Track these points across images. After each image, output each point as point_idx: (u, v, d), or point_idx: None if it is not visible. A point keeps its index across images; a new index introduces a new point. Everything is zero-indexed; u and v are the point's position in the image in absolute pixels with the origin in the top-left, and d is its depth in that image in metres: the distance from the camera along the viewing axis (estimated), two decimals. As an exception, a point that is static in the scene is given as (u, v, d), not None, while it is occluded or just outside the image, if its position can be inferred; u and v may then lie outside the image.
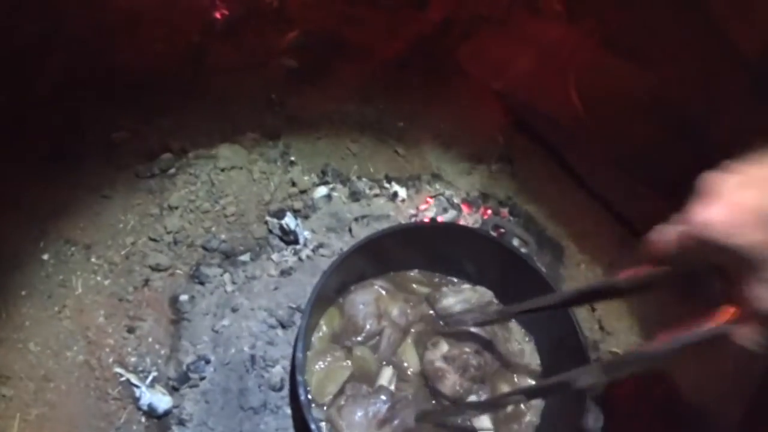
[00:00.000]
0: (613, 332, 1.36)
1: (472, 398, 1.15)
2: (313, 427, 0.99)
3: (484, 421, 1.13)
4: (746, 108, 1.19)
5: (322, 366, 1.12)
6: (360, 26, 1.61)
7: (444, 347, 1.15)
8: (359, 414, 1.05)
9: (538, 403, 1.17)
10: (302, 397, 1.02)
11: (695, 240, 0.62)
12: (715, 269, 0.63)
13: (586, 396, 1.08)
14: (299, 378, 1.03)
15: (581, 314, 1.34)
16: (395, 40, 1.57)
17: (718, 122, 1.27)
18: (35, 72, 1.41)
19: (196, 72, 1.50)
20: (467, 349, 1.15)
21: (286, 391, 1.16)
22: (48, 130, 1.40)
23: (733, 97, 1.22)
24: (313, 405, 1.07)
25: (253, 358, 1.16)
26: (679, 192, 1.31)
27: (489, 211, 1.41)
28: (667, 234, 0.67)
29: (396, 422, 1.06)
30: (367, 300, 1.16)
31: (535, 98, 1.50)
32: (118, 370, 1.18)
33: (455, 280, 1.26)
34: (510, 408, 1.14)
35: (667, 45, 1.30)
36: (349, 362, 1.13)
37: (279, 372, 1.15)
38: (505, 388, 1.18)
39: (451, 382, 1.12)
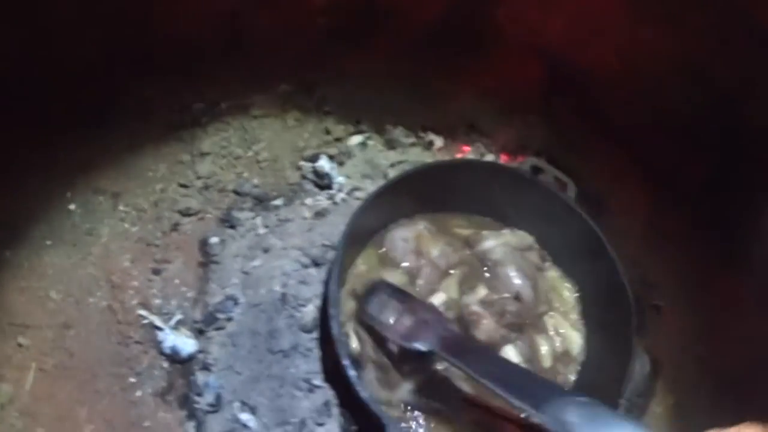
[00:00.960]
0: (656, 285, 1.30)
1: (509, 348, 1.08)
2: (345, 362, 0.94)
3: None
4: None
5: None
6: None
7: (482, 291, 1.09)
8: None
9: (580, 342, 1.12)
10: (334, 330, 0.97)
11: None
12: None
13: (632, 339, 1.04)
14: (332, 311, 0.98)
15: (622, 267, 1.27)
16: (432, 4, 1.55)
17: (752, 98, 1.24)
18: (75, 39, 1.40)
19: (232, 34, 1.48)
20: (506, 294, 1.08)
21: (316, 333, 1.10)
22: (82, 91, 1.34)
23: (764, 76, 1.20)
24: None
25: (284, 297, 1.11)
26: (716, 155, 1.29)
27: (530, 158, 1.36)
28: None
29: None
30: (407, 236, 1.12)
31: (573, 57, 1.46)
32: (142, 312, 1.14)
33: (496, 222, 1.20)
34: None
35: (697, 14, 1.27)
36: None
37: (311, 311, 1.10)
38: (541, 341, 1.11)
39: (486, 328, 1.07)
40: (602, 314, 1.15)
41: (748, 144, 1.26)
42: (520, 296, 1.10)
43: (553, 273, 1.20)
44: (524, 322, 1.10)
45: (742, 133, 1.28)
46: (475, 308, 1.08)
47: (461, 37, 1.50)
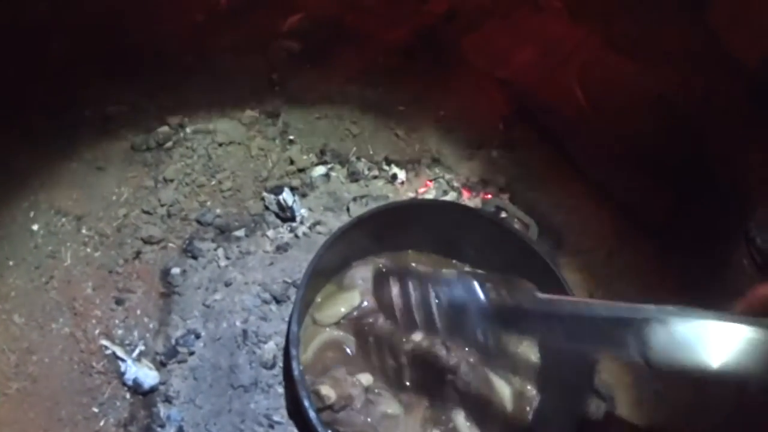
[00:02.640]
0: None
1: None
2: (306, 403, 0.96)
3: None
4: (744, 114, 1.21)
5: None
6: (363, 13, 1.59)
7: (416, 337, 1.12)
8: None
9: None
10: (295, 372, 0.98)
11: None
12: None
13: (592, 377, 1.08)
14: (293, 351, 1.00)
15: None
16: (398, 29, 1.56)
17: (717, 125, 1.28)
18: (42, 47, 1.38)
19: (199, 51, 1.48)
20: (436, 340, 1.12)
21: (278, 369, 1.13)
22: (46, 102, 1.38)
23: (731, 103, 1.22)
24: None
25: (245, 333, 1.13)
26: (679, 184, 1.32)
27: (489, 196, 1.38)
28: None
29: None
30: (366, 276, 1.12)
31: (537, 88, 1.50)
32: (104, 342, 1.15)
33: (455, 262, 1.23)
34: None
35: (668, 48, 1.31)
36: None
37: (272, 348, 1.12)
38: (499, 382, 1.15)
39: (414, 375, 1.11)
40: (559, 353, 1.17)
41: (712, 174, 1.29)
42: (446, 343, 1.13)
43: None
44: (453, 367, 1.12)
45: (706, 163, 1.30)
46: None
47: (426, 64, 1.53)
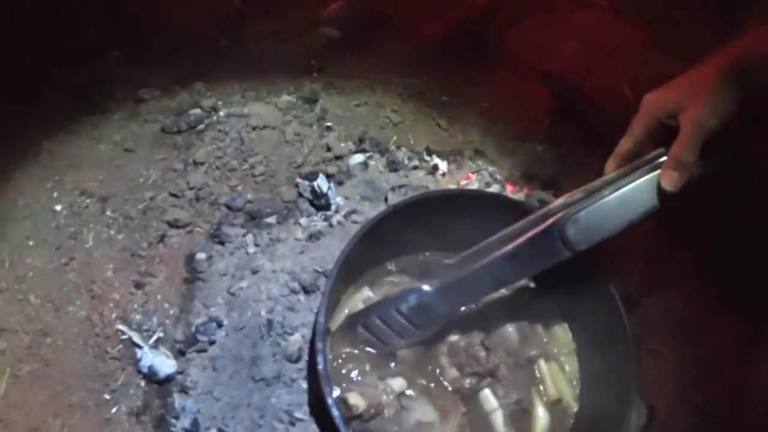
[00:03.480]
0: (657, 328, 1.26)
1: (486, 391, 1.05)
2: (329, 401, 0.89)
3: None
4: None
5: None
6: (404, 3, 1.56)
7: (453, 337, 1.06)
8: None
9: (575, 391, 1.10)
10: (320, 366, 0.91)
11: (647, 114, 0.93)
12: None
13: (631, 387, 1.00)
14: (319, 345, 0.93)
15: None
16: (440, 20, 1.53)
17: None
18: (73, 27, 1.36)
19: (235, 36, 1.46)
20: (476, 340, 1.05)
21: (303, 363, 1.05)
22: (76, 83, 1.36)
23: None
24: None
25: (270, 323, 1.06)
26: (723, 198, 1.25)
27: (532, 192, 1.31)
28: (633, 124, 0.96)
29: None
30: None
31: (582, 84, 1.45)
32: (121, 327, 1.09)
33: None
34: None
35: (707, 49, 1.25)
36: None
37: (297, 341, 1.05)
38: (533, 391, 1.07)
39: (451, 377, 1.04)
40: (600, 358, 1.10)
41: (760, 186, 1.23)
42: (491, 339, 1.06)
43: (551, 316, 1.15)
44: (498, 368, 1.05)
45: (755, 174, 1.22)
46: (442, 360, 1.06)
47: (469, 55, 1.49)
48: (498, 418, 1.02)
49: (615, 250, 1.31)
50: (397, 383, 1.01)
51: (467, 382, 1.02)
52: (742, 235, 1.28)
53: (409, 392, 1.02)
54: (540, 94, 1.48)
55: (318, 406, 1.01)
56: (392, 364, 1.04)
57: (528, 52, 1.49)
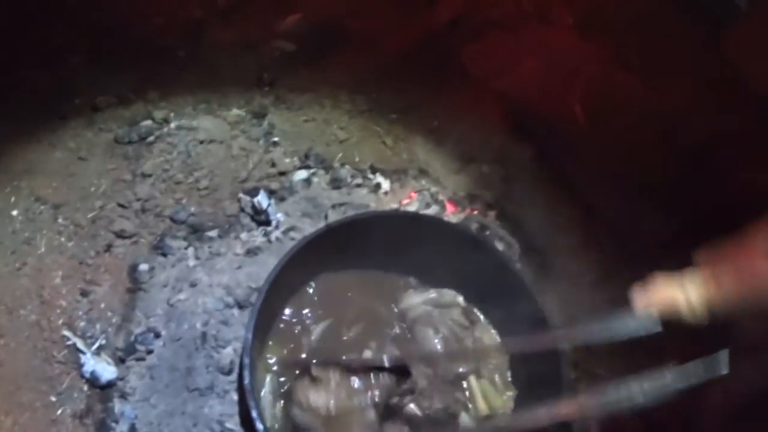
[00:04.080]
0: (596, 352, 1.29)
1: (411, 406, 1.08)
2: (254, 414, 0.94)
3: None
4: (754, 144, 1.16)
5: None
6: (365, 18, 1.54)
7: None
8: None
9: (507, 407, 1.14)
10: (246, 381, 0.97)
11: None
12: None
13: None
14: (245, 360, 0.98)
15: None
16: (400, 35, 1.52)
17: (727, 154, 1.21)
18: (35, 35, 1.38)
19: (193, 46, 1.47)
20: None
21: (234, 376, 1.11)
22: (40, 87, 1.38)
23: (741, 131, 1.17)
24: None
25: (204, 336, 1.12)
26: (681, 212, 1.28)
27: (475, 212, 1.34)
28: None
29: None
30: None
31: (537, 104, 1.45)
32: (66, 333, 1.14)
33: (425, 277, 1.20)
34: None
35: (679, 72, 1.25)
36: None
37: (230, 354, 1.11)
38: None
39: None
40: (533, 378, 1.14)
41: (717, 207, 1.23)
42: (430, 358, 1.11)
43: (484, 333, 1.19)
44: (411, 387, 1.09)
45: (711, 195, 1.25)
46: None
47: (424, 73, 1.48)
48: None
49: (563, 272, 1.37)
50: None
51: (393, 401, 1.06)
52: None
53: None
54: (493, 113, 1.49)
55: (248, 418, 1.06)
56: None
57: (485, 69, 1.49)
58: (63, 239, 1.24)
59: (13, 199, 1.27)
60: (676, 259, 1.28)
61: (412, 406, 1.08)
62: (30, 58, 1.37)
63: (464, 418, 1.13)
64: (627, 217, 1.38)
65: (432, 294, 1.17)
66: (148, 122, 1.36)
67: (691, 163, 1.27)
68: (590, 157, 1.39)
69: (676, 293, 0.81)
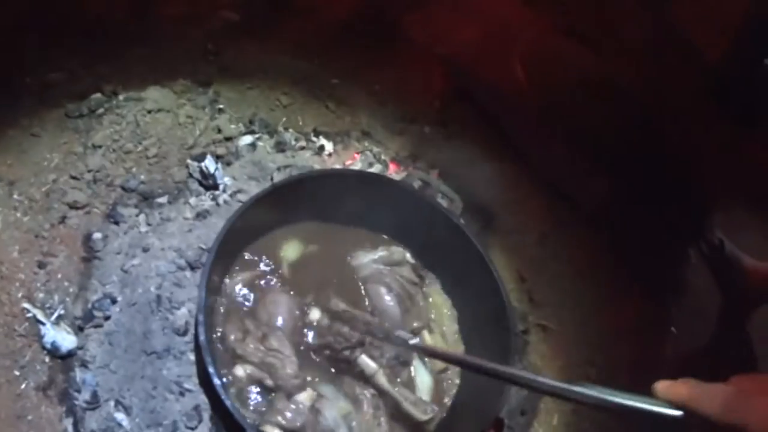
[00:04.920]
0: (544, 304, 1.35)
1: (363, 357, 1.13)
2: (211, 370, 0.98)
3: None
4: (701, 109, 1.18)
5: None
6: None
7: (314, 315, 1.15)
8: None
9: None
10: (201, 338, 1.00)
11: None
12: None
13: (510, 361, 1.09)
14: (200, 317, 1.02)
15: (510, 285, 1.33)
16: (342, 2, 1.53)
17: (672, 118, 1.25)
18: None
19: (142, 20, 1.46)
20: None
21: (190, 336, 1.14)
22: None
23: (688, 97, 1.20)
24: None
25: (159, 298, 1.15)
26: (621, 173, 1.31)
27: (418, 172, 1.38)
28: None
29: None
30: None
31: (478, 67, 1.47)
32: (26, 305, 1.16)
33: (374, 235, 1.24)
34: None
35: (624, 37, 1.27)
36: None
37: (184, 314, 1.15)
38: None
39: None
40: (482, 332, 1.19)
41: (659, 167, 1.27)
42: (384, 313, 1.17)
43: (433, 289, 1.25)
44: (360, 340, 1.13)
45: (655, 154, 1.28)
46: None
47: (365, 39, 1.49)
48: (381, 378, 1.11)
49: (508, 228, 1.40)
50: (307, 396, 1.08)
51: (343, 356, 1.10)
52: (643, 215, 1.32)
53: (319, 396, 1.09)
54: (434, 77, 1.52)
55: (205, 378, 1.09)
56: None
57: (425, 35, 1.50)
58: (19, 214, 1.25)
59: None
60: (621, 215, 1.34)
61: (363, 357, 1.12)
62: None
63: (418, 366, 1.17)
64: (569, 174, 1.41)
65: (382, 252, 1.20)
66: (98, 95, 1.37)
67: (637, 127, 1.30)
68: (532, 117, 1.42)
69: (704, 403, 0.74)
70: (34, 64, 1.39)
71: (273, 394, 1.07)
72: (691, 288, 1.27)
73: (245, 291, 1.16)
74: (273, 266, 1.19)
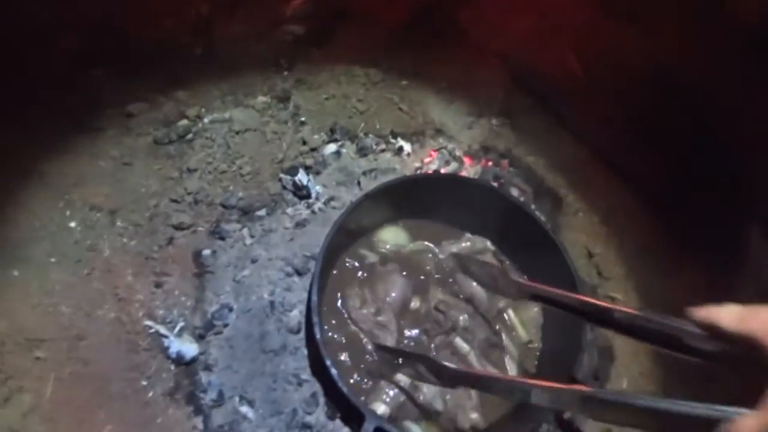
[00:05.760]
0: (610, 278, 1.43)
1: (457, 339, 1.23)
2: (328, 362, 1.06)
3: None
4: (745, 75, 1.22)
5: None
6: None
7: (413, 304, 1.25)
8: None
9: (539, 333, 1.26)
10: (318, 336, 1.09)
11: None
12: None
13: (582, 335, 1.15)
14: (314, 318, 1.10)
15: (580, 261, 1.41)
16: (397, 7, 1.61)
17: (716, 90, 1.29)
18: (51, 52, 1.42)
19: (207, 42, 1.54)
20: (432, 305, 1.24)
21: (302, 334, 1.23)
22: (67, 107, 1.43)
23: (731, 64, 1.24)
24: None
25: (272, 304, 1.24)
26: (675, 152, 1.37)
27: (489, 163, 1.46)
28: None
29: None
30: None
31: (533, 58, 1.54)
32: (148, 322, 1.24)
33: (457, 229, 1.34)
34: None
35: (665, 12, 1.32)
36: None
37: (296, 316, 1.23)
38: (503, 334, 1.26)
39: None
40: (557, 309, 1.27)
41: (713, 142, 1.32)
42: (473, 298, 1.25)
43: (512, 273, 1.32)
44: (454, 325, 1.23)
45: (706, 131, 1.33)
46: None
47: (425, 39, 1.56)
48: (473, 358, 1.20)
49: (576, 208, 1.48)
50: (402, 379, 1.18)
51: (437, 340, 1.21)
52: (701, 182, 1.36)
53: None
54: (494, 69, 1.59)
55: (318, 368, 1.20)
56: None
57: (480, 31, 1.57)
58: (125, 240, 1.33)
59: (68, 212, 1.35)
60: (679, 192, 1.40)
61: (458, 340, 1.21)
62: (53, 79, 1.42)
63: (507, 342, 1.25)
64: (626, 155, 1.47)
65: (465, 243, 1.30)
66: (184, 121, 1.45)
67: (686, 104, 1.34)
68: (589, 102, 1.49)
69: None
70: (110, 96, 1.46)
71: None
72: (750, 261, 1.34)
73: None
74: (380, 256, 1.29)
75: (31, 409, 1.14)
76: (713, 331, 0.68)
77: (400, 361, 1.13)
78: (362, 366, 1.19)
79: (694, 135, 1.34)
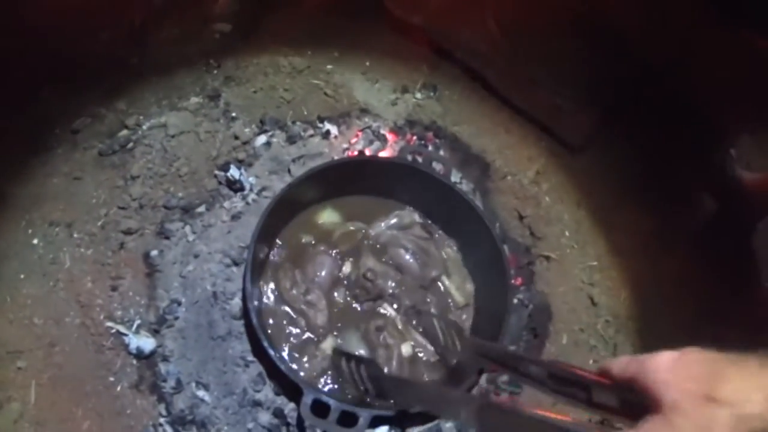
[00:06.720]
0: (543, 237, 1.49)
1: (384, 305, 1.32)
2: (265, 344, 1.16)
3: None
4: (697, 25, 1.22)
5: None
6: None
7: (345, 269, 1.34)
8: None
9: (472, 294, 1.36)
10: (254, 321, 1.18)
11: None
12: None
13: (507, 296, 1.26)
14: (249, 305, 1.20)
15: (511, 223, 1.49)
16: (319, -9, 1.65)
17: (661, 41, 1.32)
18: (1, 79, 1.50)
19: (141, 51, 1.60)
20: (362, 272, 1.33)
21: (244, 320, 1.32)
22: (19, 130, 1.49)
23: (681, 15, 1.24)
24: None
25: (215, 294, 1.33)
26: (600, 101, 1.40)
27: (414, 137, 1.52)
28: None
29: None
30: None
31: (453, 28, 1.58)
32: (109, 324, 1.34)
33: (388, 202, 1.42)
34: None
35: None
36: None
37: (237, 303, 1.33)
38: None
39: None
40: (485, 272, 1.36)
41: (649, 92, 1.36)
42: (402, 267, 1.34)
43: (442, 241, 1.41)
44: (381, 292, 1.32)
45: (641, 81, 1.37)
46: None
47: (348, 22, 1.61)
48: (398, 322, 1.30)
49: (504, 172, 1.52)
50: (328, 344, 1.30)
51: (365, 305, 1.30)
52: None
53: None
54: (417, 44, 1.64)
55: (257, 350, 1.29)
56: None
57: (401, 7, 1.61)
58: (83, 249, 1.41)
59: (30, 230, 1.42)
60: (611, 145, 1.44)
61: (385, 305, 1.30)
62: (5, 106, 1.44)
63: (435, 309, 1.35)
64: (553, 113, 1.52)
65: (393, 219, 1.37)
66: (124, 131, 1.51)
67: (620, 57, 1.37)
68: (511, 64, 1.53)
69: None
70: (57, 115, 1.52)
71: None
72: (691, 206, 1.38)
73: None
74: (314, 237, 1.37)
75: (20, 415, 1.25)
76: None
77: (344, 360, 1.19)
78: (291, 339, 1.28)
79: (628, 89, 1.37)
